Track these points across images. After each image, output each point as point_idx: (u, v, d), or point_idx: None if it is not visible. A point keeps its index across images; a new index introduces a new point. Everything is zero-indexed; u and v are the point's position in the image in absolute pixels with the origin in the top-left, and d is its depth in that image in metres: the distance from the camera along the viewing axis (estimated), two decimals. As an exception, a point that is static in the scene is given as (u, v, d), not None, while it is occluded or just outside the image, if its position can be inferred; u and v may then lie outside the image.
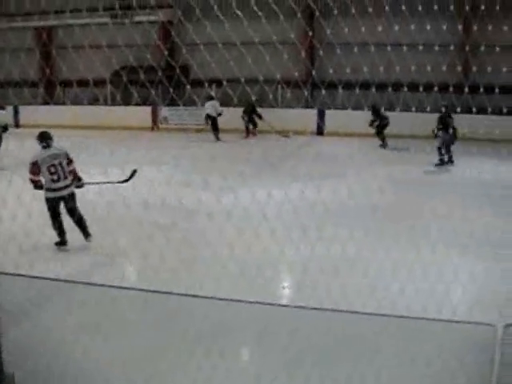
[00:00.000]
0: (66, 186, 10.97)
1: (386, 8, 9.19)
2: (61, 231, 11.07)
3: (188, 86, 28.76)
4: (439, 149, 19.58)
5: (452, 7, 10.12)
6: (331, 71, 10.53)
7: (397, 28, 9.74)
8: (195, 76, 11.64)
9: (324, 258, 10.02)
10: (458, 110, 13.71)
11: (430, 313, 7.61)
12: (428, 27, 9.94)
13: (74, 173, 11.17)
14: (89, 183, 11.61)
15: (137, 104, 28.68)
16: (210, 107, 27.00)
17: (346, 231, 10.89)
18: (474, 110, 10.41)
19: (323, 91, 20.17)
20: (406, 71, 10.98)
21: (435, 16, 9.72)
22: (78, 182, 11.28)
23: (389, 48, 9.91)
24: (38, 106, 30.72)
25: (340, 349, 7.09)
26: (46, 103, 30.69)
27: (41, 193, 10.84)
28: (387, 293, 8.42)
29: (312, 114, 28.75)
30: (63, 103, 31.73)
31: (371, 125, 23.48)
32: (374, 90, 11.22)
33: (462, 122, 18.45)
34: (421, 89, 10.12)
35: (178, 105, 30.00)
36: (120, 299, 7.25)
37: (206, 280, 9.02)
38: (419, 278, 9.01)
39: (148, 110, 30.78)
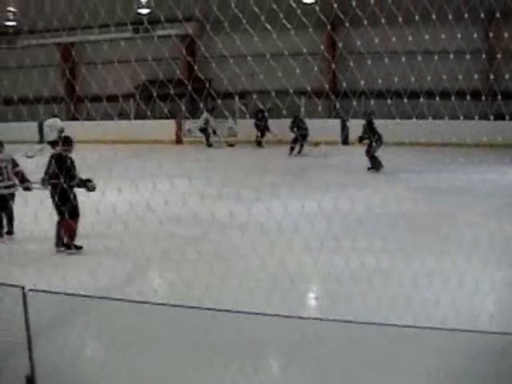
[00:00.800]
0: (8, 187, 12.52)
1: (416, 17, 9.10)
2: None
3: (211, 99, 29.14)
4: (369, 154, 20.30)
5: (482, 14, 9.98)
6: (362, 82, 10.44)
7: (427, 36, 9.66)
8: (219, 89, 11.59)
9: (358, 269, 9.92)
10: (491, 117, 13.60)
11: (465, 324, 7.49)
12: (459, 35, 9.87)
13: (20, 175, 12.67)
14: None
15: (161, 117, 28.84)
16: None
17: (380, 242, 10.82)
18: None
19: (353, 101, 20.04)
20: (437, 79, 10.88)
21: (465, 23, 9.62)
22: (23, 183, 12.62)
23: (419, 57, 9.82)
24: (67, 122, 30.89)
25: (376, 362, 6.98)
26: (74, 119, 30.75)
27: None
28: (423, 304, 8.32)
29: (337, 123, 28.71)
30: (91, 118, 31.92)
31: (360, 141, 21.44)
32: (391, 98, 11.12)
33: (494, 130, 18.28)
34: (446, 97, 10.03)
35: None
36: (152, 313, 7.20)
37: (239, 293, 8.96)
38: (454, 289, 8.89)
39: (172, 123, 30.86)
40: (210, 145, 29.19)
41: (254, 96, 22.03)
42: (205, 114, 28.89)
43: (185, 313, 7.90)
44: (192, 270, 10.00)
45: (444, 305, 8.17)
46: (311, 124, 26.46)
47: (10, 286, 4.89)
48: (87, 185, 11.89)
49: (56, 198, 11.36)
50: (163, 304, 7.75)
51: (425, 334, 6.94)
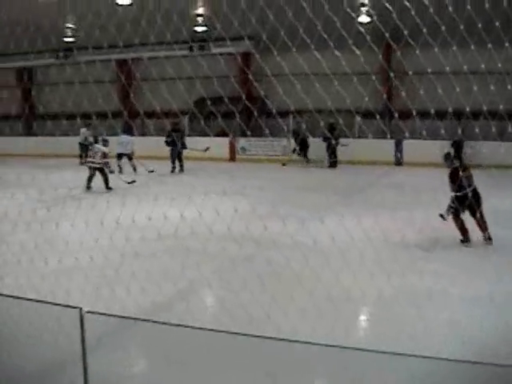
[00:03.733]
0: None
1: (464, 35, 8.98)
2: None
3: (264, 117, 29.17)
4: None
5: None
6: (414, 102, 10.35)
7: (474, 55, 9.52)
8: (273, 107, 11.54)
9: (415, 291, 9.78)
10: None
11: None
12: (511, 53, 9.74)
13: None
14: None
15: (216, 135, 28.92)
16: None
17: (437, 264, 10.66)
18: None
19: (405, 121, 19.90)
20: (485, 98, 10.70)
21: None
22: None
23: (468, 76, 9.70)
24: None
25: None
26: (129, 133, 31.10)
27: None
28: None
29: (390, 144, 28.53)
30: (145, 133, 32.26)
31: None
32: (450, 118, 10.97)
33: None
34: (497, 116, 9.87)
35: (256, 136, 30.19)
36: (201, 337, 7.09)
37: (290, 312, 8.84)
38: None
39: (226, 140, 30.91)
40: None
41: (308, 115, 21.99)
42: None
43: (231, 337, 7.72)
44: (244, 289, 9.95)
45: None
46: (365, 144, 26.36)
47: (69, 307, 4.87)
48: None
49: None
50: (213, 330, 7.61)
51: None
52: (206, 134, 28.07)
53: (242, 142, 31.40)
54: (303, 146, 28.85)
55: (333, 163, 27.94)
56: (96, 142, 22.70)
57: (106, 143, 21.90)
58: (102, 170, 21.33)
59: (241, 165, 29.25)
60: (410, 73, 11.40)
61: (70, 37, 28.93)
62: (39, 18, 12.78)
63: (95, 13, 11.59)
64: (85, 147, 31.12)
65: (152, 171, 25.07)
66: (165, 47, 19.83)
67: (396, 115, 22.01)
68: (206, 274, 11.35)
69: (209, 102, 9.94)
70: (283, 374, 6.02)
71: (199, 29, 27.53)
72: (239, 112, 12.20)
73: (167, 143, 27.57)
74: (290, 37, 9.02)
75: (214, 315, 9.71)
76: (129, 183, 22.12)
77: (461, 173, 12.38)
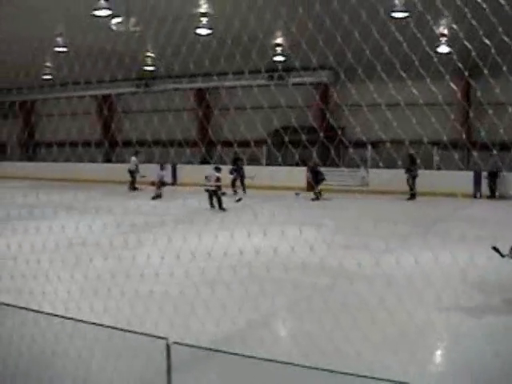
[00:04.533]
0: None
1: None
2: None
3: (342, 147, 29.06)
4: None
5: None
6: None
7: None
8: (351, 137, 11.47)
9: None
10: None
11: None
12: None
13: None
14: None
15: (296, 164, 28.95)
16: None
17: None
18: None
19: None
20: None
21: None
22: None
23: None
24: (196, 165, 31.60)
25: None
26: (205, 162, 31.32)
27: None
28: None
29: (468, 175, 28.14)
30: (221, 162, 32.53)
31: None
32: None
33: None
34: None
35: (336, 166, 30.08)
36: (273, 370, 6.98)
37: (363, 347, 8.68)
38: None
39: (304, 170, 30.86)
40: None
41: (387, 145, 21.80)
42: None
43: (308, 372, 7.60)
44: (317, 321, 9.83)
45: None
46: (443, 175, 26.05)
47: (156, 337, 4.85)
48: None
49: None
50: (284, 363, 7.49)
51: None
52: (284, 164, 28.23)
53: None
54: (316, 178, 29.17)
55: (412, 195, 27.60)
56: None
57: (218, 170, 24.92)
58: (215, 193, 24.42)
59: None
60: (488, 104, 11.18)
61: (149, 66, 29.36)
62: (120, 48, 13.00)
63: (175, 44, 11.67)
64: (133, 175, 32.70)
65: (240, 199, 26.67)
66: (243, 77, 20.02)
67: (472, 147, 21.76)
68: (279, 306, 11.30)
69: (286, 132, 9.90)
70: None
71: (278, 58, 27.58)
72: (317, 142, 12.16)
73: (233, 171, 29.45)
74: (367, 69, 8.96)
75: (286, 348, 9.60)
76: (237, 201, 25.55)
77: None
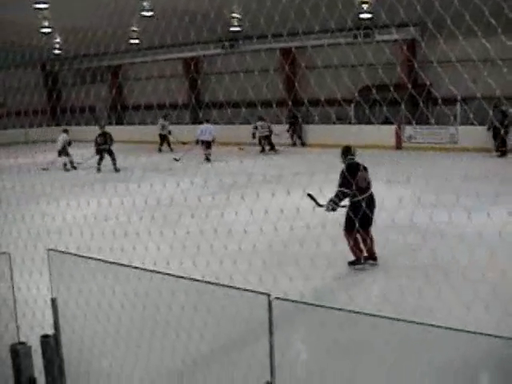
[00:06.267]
0: None
1: None
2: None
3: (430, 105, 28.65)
4: None
5: None
6: None
7: None
8: (439, 94, 11.25)
9: None
10: None
11: None
12: None
13: None
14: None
15: (383, 122, 28.70)
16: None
17: None
18: None
19: None
20: None
21: None
22: None
23: None
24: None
25: None
26: (293, 120, 31.68)
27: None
28: None
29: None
30: (311, 122, 32.63)
31: None
32: None
33: None
34: None
35: (424, 123, 29.72)
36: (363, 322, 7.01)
37: (453, 306, 8.62)
38: None
39: (392, 128, 30.55)
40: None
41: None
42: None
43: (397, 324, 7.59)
44: (407, 278, 9.82)
45: None
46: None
47: (259, 293, 4.99)
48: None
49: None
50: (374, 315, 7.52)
51: None
52: (371, 122, 27.98)
53: (408, 130, 30.94)
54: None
55: (503, 152, 26.97)
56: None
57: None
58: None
59: (407, 153, 28.77)
60: None
61: (235, 26, 29.39)
62: (206, 9, 13.00)
63: (259, 2, 11.65)
64: (163, 136, 34.44)
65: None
66: (329, 35, 19.84)
67: None
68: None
69: (374, 90, 9.81)
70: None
71: (365, 16, 27.21)
72: (405, 100, 12.03)
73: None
74: (456, 23, 8.77)
75: (376, 303, 9.62)
76: None
77: None
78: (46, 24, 27.59)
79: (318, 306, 5.39)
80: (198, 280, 5.71)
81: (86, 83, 39.99)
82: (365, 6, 26.35)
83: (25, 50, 32.19)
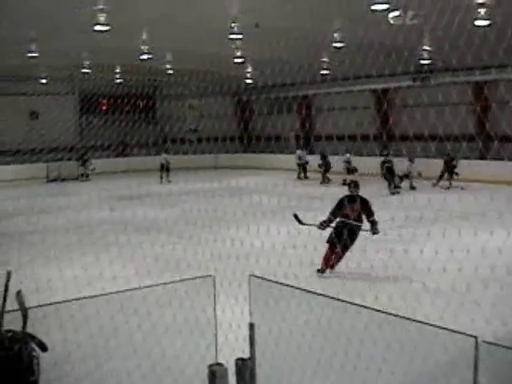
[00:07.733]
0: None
1: None
2: None
3: None
4: None
5: None
6: None
7: None
8: None
9: None
10: None
11: None
12: None
13: None
14: None
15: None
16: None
17: None
18: None
19: None
20: None
21: None
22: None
23: None
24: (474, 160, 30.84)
25: None
26: (482, 158, 30.34)
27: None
28: None
29: None
30: (498, 158, 31.61)
31: None
32: None
33: None
34: None
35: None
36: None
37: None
38: None
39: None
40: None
41: None
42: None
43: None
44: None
45: None
46: None
47: (466, 335, 4.99)
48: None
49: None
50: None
51: None
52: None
53: None
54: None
55: None
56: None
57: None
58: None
59: None
60: None
61: (426, 59, 29.21)
62: (397, 41, 13.04)
63: (452, 36, 11.54)
64: (301, 166, 37.00)
65: None
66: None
67: None
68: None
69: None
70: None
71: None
72: None
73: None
74: None
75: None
76: None
77: None
78: (239, 54, 28.55)
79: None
80: (392, 314, 5.71)
81: (273, 113, 41.04)
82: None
83: (220, 80, 33.42)
